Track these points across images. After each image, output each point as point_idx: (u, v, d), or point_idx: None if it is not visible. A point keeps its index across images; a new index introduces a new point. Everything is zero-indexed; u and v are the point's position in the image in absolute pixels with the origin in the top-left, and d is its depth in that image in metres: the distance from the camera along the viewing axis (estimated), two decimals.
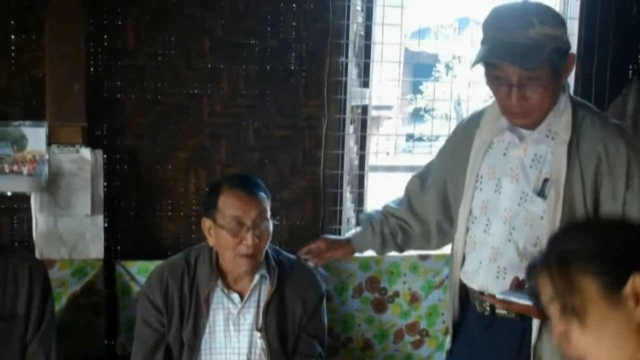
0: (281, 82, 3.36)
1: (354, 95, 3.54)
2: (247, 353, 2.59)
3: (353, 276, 3.33)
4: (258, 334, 2.59)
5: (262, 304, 2.61)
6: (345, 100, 3.43)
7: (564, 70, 2.10)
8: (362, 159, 3.77)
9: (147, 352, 2.61)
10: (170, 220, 3.37)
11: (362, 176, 3.77)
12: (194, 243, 3.28)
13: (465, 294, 2.38)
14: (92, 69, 3.18)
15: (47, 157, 3.07)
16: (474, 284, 2.28)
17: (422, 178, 2.65)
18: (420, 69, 15.56)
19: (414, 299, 3.40)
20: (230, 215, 2.49)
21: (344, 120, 3.45)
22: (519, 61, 2.01)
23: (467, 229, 2.32)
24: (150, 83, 3.26)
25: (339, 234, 3.49)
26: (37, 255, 3.09)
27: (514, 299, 1.94)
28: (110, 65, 3.21)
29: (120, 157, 3.27)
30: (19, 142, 3.06)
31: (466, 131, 2.41)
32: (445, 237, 2.67)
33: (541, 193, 2.13)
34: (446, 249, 3.47)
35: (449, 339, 2.52)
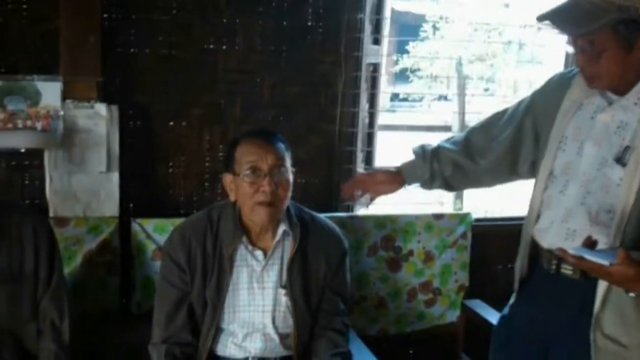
0: (298, 38, 3.31)
1: (368, 52, 3.50)
2: (271, 310, 2.57)
3: (368, 235, 3.33)
4: (282, 291, 2.57)
5: (285, 260, 2.59)
6: (361, 57, 3.40)
7: (636, 44, 2.05)
8: (371, 117, 3.75)
9: (170, 311, 2.57)
10: (183, 177, 3.33)
11: (372, 134, 3.74)
12: (207, 200, 3.28)
13: (535, 252, 2.38)
14: (105, 23, 3.09)
15: (61, 112, 3.01)
16: (544, 242, 2.28)
17: (486, 131, 2.60)
18: (406, 29, 15.46)
19: (428, 257, 3.41)
20: (246, 162, 2.46)
21: (360, 77, 3.42)
22: (568, 27, 2.00)
23: (545, 188, 2.32)
24: (165, 38, 3.19)
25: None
26: (51, 213, 3.06)
27: (587, 256, 1.93)
28: (124, 19, 3.13)
29: (134, 113, 3.21)
30: (33, 97, 2.99)
31: (556, 90, 2.37)
32: (502, 180, 2.65)
33: (621, 160, 2.11)
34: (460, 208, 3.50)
35: (513, 294, 2.51)
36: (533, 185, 2.41)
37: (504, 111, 2.59)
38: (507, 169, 2.56)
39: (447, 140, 2.71)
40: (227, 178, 2.55)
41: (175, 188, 3.33)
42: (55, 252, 2.54)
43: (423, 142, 2.76)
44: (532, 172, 2.48)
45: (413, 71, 13.30)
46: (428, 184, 2.70)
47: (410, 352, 3.61)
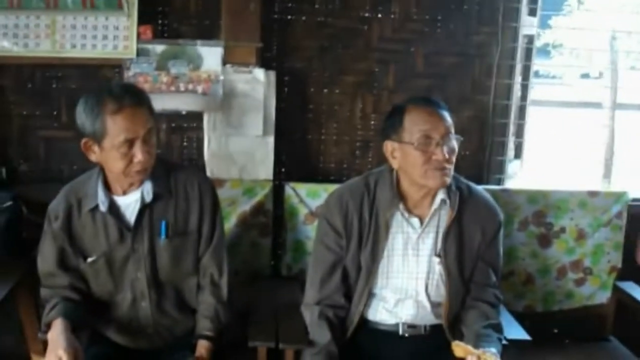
0: (453, 7, 3.28)
1: (524, 24, 3.42)
2: (425, 278, 2.57)
3: (519, 209, 3.27)
4: (437, 260, 2.57)
5: (441, 229, 2.58)
6: (518, 28, 3.32)
7: None
8: (524, 89, 3.66)
9: (324, 273, 2.62)
10: (334, 144, 3.37)
11: (523, 107, 3.66)
12: (358, 168, 3.31)
13: None
14: None
15: (221, 77, 3.10)
16: None
17: None
18: (548, 2, 14.97)
19: (580, 235, 3.32)
20: (418, 130, 2.44)
21: (516, 49, 3.35)
22: None
23: None
24: (321, 5, 3.23)
25: (503, 165, 3.43)
26: (208, 173, 3.15)
27: None
28: None
29: (289, 79, 3.27)
30: (195, 61, 3.10)
31: None
32: None
33: None
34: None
35: None
36: None
37: None
38: None
39: None
40: (389, 146, 2.53)
41: (326, 155, 3.37)
42: (217, 210, 2.62)
43: None
44: None
45: (555, 46, 12.87)
46: None
47: (555, 331, 3.52)
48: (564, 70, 7.94)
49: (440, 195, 2.54)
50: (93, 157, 2.41)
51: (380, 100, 3.32)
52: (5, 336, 3.45)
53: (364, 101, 3.33)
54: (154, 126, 2.39)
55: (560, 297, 3.37)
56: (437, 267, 2.57)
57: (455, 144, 2.47)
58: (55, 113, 3.25)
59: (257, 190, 3.16)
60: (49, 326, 2.40)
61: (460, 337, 2.54)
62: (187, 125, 3.26)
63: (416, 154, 2.44)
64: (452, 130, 2.47)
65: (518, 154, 3.67)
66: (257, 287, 3.14)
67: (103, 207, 2.46)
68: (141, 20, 3.09)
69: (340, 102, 3.33)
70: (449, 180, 2.49)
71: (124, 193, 2.50)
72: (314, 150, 3.36)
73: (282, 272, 3.25)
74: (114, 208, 2.49)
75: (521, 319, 2.97)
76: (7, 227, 2.97)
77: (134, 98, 2.33)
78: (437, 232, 2.58)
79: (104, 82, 3.15)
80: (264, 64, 3.17)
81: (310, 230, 3.15)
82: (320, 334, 2.53)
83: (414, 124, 2.45)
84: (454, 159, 2.47)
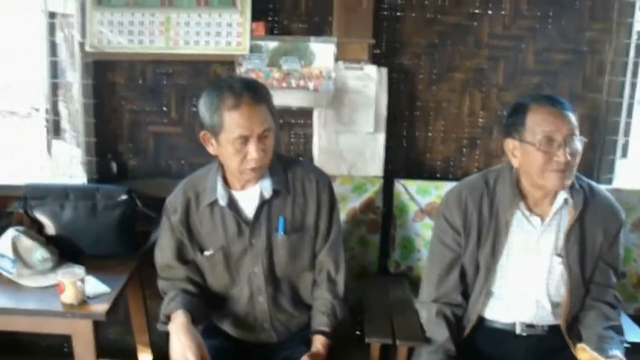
0: (565, 4, 3.21)
1: (638, 19, 3.33)
2: (545, 278, 2.54)
3: (633, 209, 3.19)
4: (558, 259, 2.53)
5: (562, 228, 2.53)
6: (632, 24, 3.25)
7: None
8: (632, 87, 3.58)
9: (442, 271, 2.61)
10: (441, 142, 3.35)
11: (631, 105, 3.57)
12: (464, 167, 3.29)
13: None
14: None
15: (333, 73, 3.11)
16: None
17: None
18: None
19: None
20: (541, 131, 2.39)
21: (629, 45, 3.27)
22: None
23: None
24: (431, 2, 3.21)
25: (613, 165, 3.36)
26: None
27: None
28: None
29: (397, 76, 3.26)
30: (307, 58, 3.11)
31: None
32: None
33: None
34: None
35: None
36: None
37: None
38: None
39: None
40: (510, 144, 2.50)
41: (432, 152, 3.36)
42: (335, 206, 2.62)
43: None
44: None
45: None
46: None
47: None
48: None
49: (563, 194, 2.50)
50: (211, 150, 2.45)
51: (489, 98, 3.28)
52: (112, 327, 3.54)
53: (472, 98, 3.30)
54: (272, 126, 2.39)
55: None
56: (558, 267, 2.53)
57: (579, 145, 2.42)
58: (164, 109, 3.31)
59: (367, 186, 3.16)
60: (168, 317, 2.44)
61: (579, 339, 2.50)
62: (295, 121, 3.29)
63: (537, 155, 2.40)
64: (577, 132, 2.42)
65: (624, 153, 3.59)
66: (366, 283, 3.14)
67: (223, 202, 2.48)
68: (253, 17, 3.13)
69: (448, 99, 3.30)
70: (568, 182, 2.44)
71: (242, 188, 2.52)
72: (420, 147, 3.35)
73: (390, 268, 3.24)
74: (232, 202, 2.52)
75: None
76: (122, 221, 3.03)
77: (253, 95, 2.33)
78: (558, 231, 2.54)
79: (213, 79, 3.20)
80: (373, 60, 3.17)
81: (419, 227, 3.14)
82: (438, 332, 2.52)
83: (537, 125, 2.41)
84: (577, 161, 2.42)
